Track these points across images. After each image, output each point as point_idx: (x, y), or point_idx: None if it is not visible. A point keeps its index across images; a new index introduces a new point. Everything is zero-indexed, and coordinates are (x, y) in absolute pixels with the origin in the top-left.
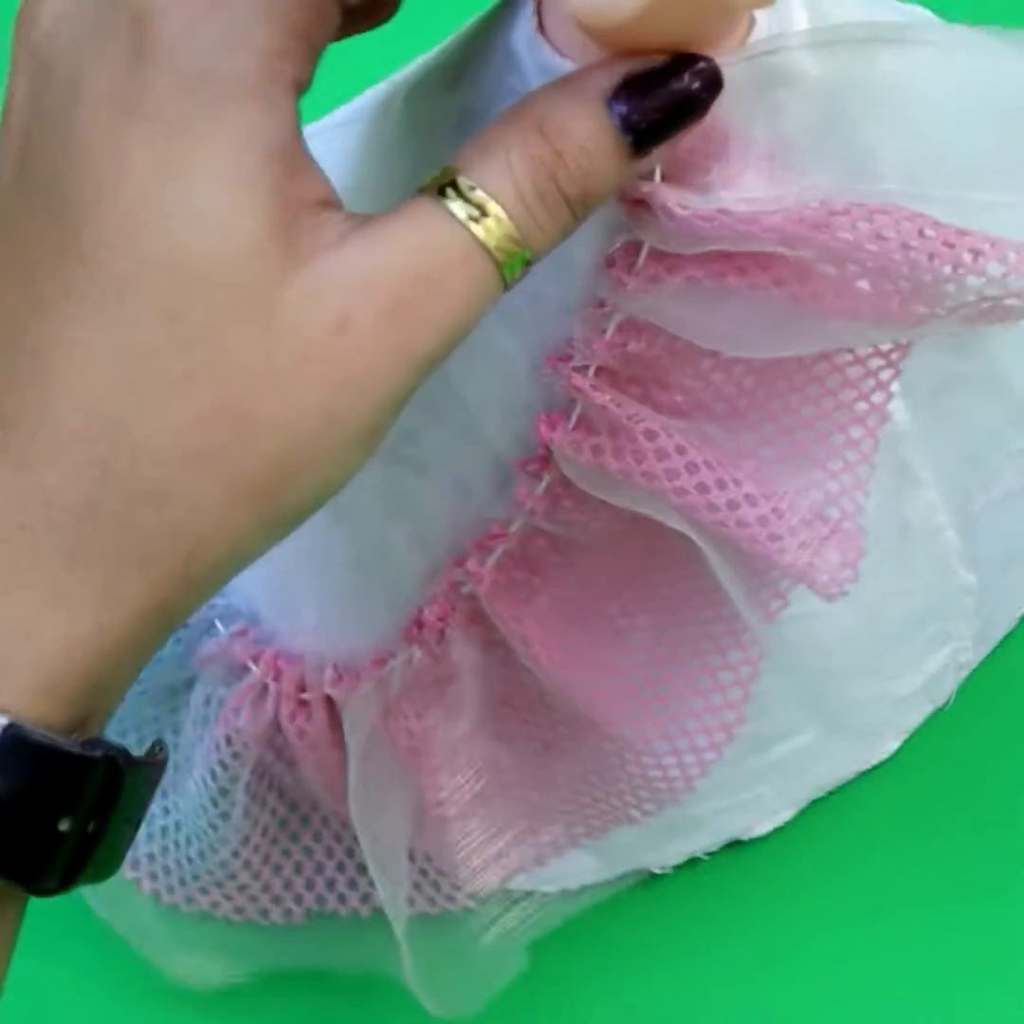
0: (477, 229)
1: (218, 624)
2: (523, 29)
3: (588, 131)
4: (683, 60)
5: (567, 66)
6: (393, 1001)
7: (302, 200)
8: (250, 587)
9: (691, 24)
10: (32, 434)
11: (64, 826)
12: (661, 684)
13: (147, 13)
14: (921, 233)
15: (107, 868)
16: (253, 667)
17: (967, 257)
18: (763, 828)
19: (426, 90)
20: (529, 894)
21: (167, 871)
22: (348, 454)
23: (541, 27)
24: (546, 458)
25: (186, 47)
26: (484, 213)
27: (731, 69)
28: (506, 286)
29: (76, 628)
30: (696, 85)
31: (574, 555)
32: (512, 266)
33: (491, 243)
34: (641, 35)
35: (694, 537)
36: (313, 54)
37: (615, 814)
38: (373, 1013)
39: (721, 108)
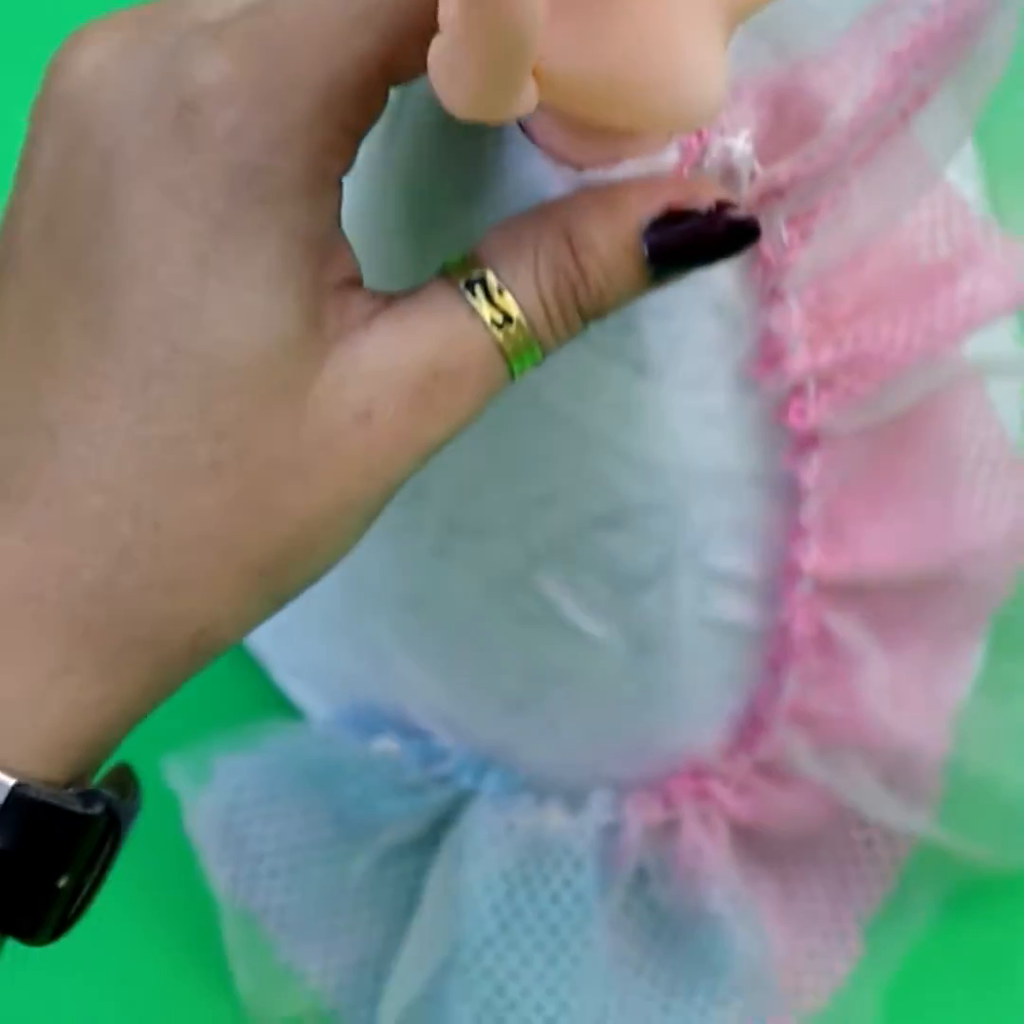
0: (499, 334)
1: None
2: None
3: (614, 256)
4: (725, 205)
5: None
6: None
7: (331, 283)
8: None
9: None
10: (46, 509)
11: (62, 882)
12: None
13: (199, 102)
14: None
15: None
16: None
17: None
18: None
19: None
20: None
21: None
22: (354, 534)
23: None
24: None
25: (239, 143)
26: (508, 319)
27: None
28: (512, 381)
29: (81, 697)
30: (731, 236)
31: None
32: (522, 364)
33: (509, 348)
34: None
35: None
36: (358, 143)
37: None
38: None
39: None
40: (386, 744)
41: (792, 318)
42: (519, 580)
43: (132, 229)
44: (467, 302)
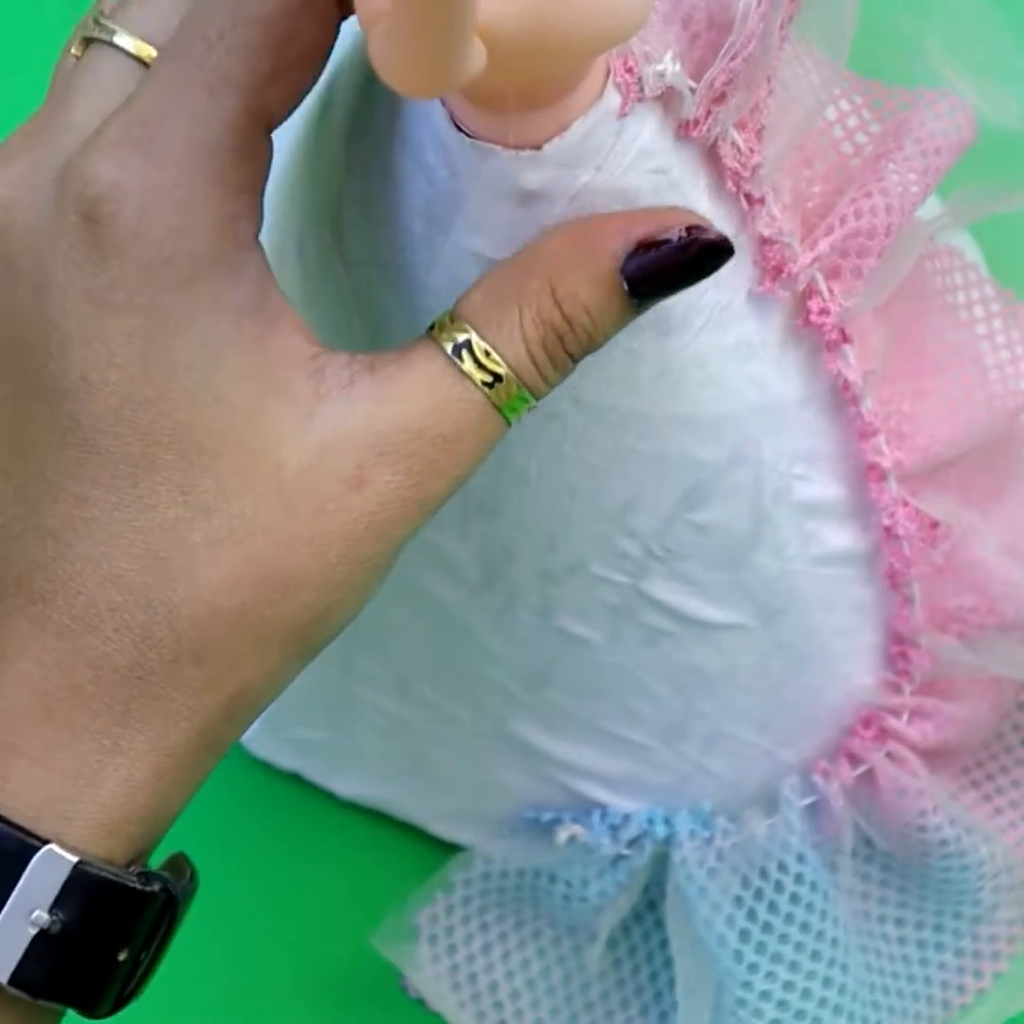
0: (492, 394)
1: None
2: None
3: (598, 299)
4: (694, 228)
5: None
6: None
7: (290, 351)
8: None
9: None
10: (69, 607)
11: (122, 956)
12: None
13: (96, 213)
14: None
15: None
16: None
17: None
18: None
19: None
20: None
21: None
22: (370, 589)
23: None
24: None
25: (142, 240)
26: (498, 378)
27: None
28: (508, 427)
29: (135, 774)
30: (706, 257)
31: None
32: (516, 411)
33: (502, 402)
34: (501, 82)
35: None
36: (260, 198)
37: None
38: None
39: None
40: (569, 832)
41: (777, 219)
42: (633, 599)
43: (74, 342)
44: (455, 366)
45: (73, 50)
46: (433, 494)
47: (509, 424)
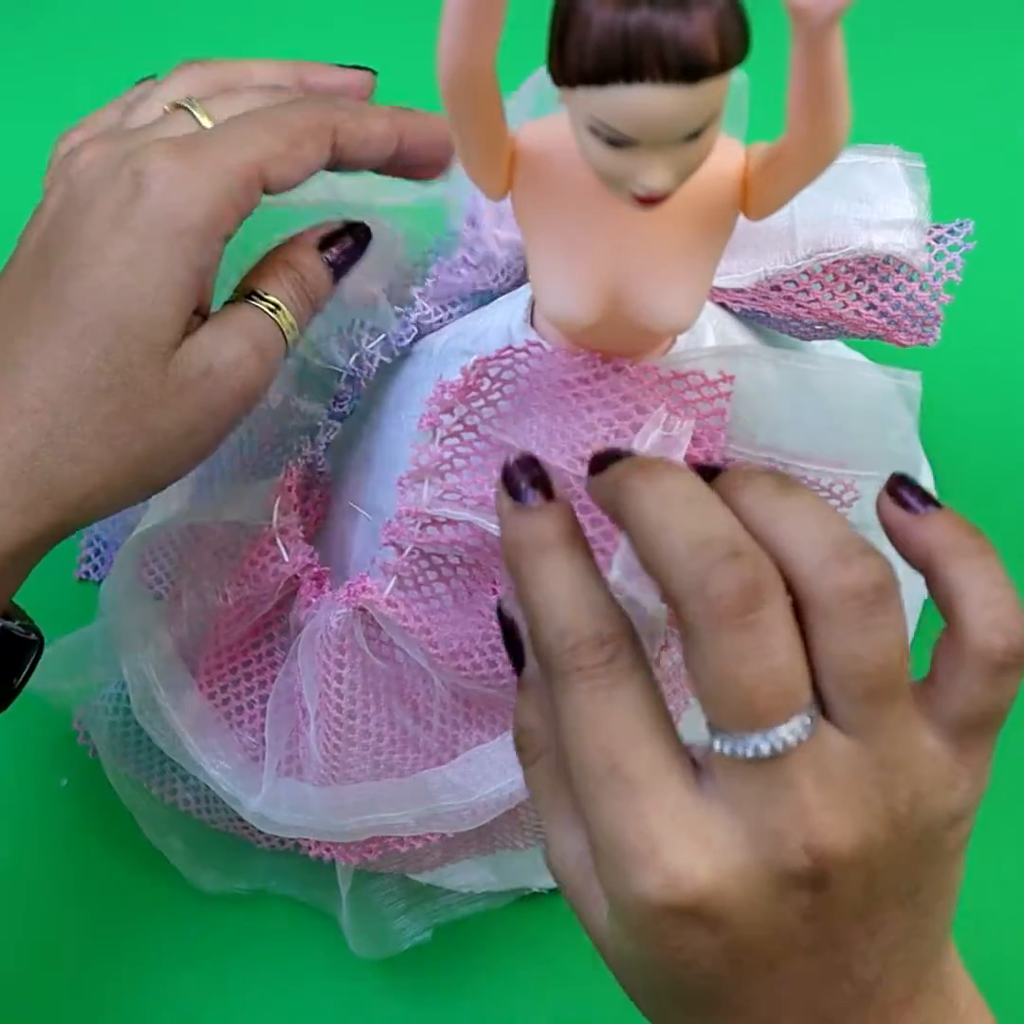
0: (276, 316)
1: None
2: (517, 318)
3: (311, 264)
4: (357, 228)
5: (545, 343)
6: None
7: (194, 304)
8: None
9: (626, 337)
10: (5, 403)
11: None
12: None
13: (143, 172)
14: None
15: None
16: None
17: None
18: None
19: (453, 352)
20: (443, 891)
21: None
22: (201, 449)
23: (530, 318)
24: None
25: (165, 197)
26: (276, 306)
27: (656, 368)
28: (287, 344)
29: (7, 525)
30: (356, 245)
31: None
32: (293, 333)
33: (283, 325)
34: (592, 338)
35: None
36: (244, 214)
37: (507, 843)
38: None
39: (644, 397)
40: None
41: None
42: None
43: (86, 244)
44: (254, 306)
45: (164, 107)
46: (252, 386)
47: (288, 346)
